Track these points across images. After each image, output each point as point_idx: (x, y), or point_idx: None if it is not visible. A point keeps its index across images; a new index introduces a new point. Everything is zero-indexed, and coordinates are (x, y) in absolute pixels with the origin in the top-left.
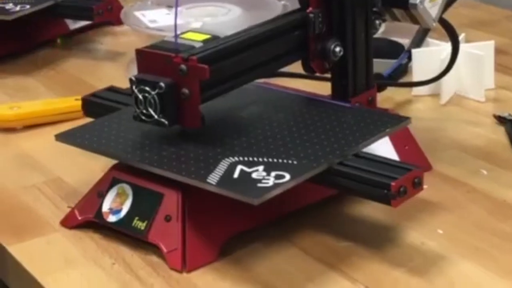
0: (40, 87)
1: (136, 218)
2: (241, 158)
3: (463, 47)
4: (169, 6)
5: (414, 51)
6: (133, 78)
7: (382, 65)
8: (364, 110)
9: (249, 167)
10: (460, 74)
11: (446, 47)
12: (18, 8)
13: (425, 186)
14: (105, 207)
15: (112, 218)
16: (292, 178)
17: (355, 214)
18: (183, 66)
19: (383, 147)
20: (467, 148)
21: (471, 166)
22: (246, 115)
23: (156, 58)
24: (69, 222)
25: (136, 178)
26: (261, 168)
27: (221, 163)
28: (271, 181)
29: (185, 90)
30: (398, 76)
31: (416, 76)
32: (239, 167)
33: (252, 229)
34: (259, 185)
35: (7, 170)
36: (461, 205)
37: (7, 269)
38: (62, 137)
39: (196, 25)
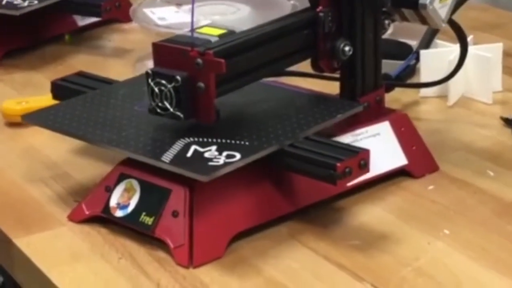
0: (47, 83)
1: (144, 213)
2: (196, 139)
3: (471, 49)
4: (178, 4)
5: (422, 52)
6: (149, 71)
7: (390, 66)
8: (319, 96)
9: (203, 147)
10: (467, 76)
11: (454, 49)
12: (26, 3)
13: (431, 187)
14: (113, 202)
15: (119, 213)
16: (242, 157)
17: (362, 213)
18: (199, 60)
19: (390, 147)
20: (474, 150)
21: (478, 167)
22: None
23: (172, 52)
24: (76, 217)
25: (143, 174)
26: (214, 148)
27: (177, 143)
28: (221, 160)
29: (201, 84)
30: (406, 77)
31: (424, 77)
32: (193, 147)
33: (259, 226)
34: (210, 163)
35: (15, 164)
36: (468, 206)
37: (14, 262)
38: (28, 118)
39: (205, 23)
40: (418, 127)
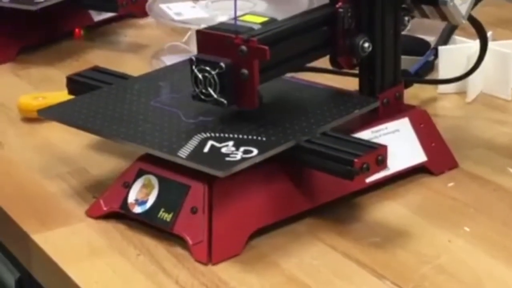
0: (64, 78)
1: (162, 209)
2: (212, 134)
3: (490, 45)
4: None
5: (441, 48)
6: (193, 58)
7: (408, 62)
8: (336, 92)
9: (220, 142)
10: (486, 72)
11: (473, 45)
12: None
13: (451, 184)
14: (131, 198)
15: (137, 209)
16: (259, 153)
17: (382, 210)
18: (243, 47)
19: (409, 143)
20: (493, 147)
21: (497, 164)
22: None
23: (217, 39)
24: (94, 212)
25: (162, 170)
26: (231, 143)
27: (193, 138)
28: (239, 156)
29: (244, 71)
30: (425, 73)
31: (442, 74)
32: (210, 142)
33: (278, 222)
34: (227, 159)
35: (32, 159)
36: (488, 203)
37: (32, 258)
38: (43, 112)
39: (222, 18)
40: (437, 123)
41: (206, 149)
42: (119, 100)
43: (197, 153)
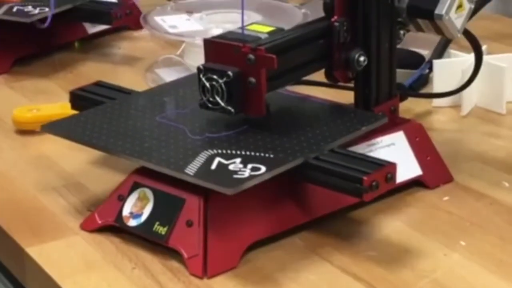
0: (58, 90)
1: (157, 223)
2: (219, 151)
3: (485, 58)
4: (189, 12)
5: (436, 62)
6: (201, 67)
7: (403, 75)
8: (343, 108)
9: (227, 159)
10: (481, 85)
11: (467, 59)
12: (37, 10)
13: (446, 198)
14: (126, 211)
15: (132, 222)
16: (267, 170)
17: (377, 224)
18: (251, 56)
19: (405, 157)
20: (488, 160)
21: (493, 178)
22: None
23: (224, 48)
24: (89, 226)
25: (157, 183)
26: (238, 160)
27: (200, 155)
28: (247, 173)
29: (252, 79)
30: (419, 86)
31: (437, 87)
32: (217, 159)
33: (274, 236)
34: (235, 176)
35: (27, 172)
36: (484, 217)
37: (26, 271)
38: (47, 127)
39: (217, 31)
40: (432, 137)
41: (213, 166)
42: (123, 116)
43: (204, 170)
